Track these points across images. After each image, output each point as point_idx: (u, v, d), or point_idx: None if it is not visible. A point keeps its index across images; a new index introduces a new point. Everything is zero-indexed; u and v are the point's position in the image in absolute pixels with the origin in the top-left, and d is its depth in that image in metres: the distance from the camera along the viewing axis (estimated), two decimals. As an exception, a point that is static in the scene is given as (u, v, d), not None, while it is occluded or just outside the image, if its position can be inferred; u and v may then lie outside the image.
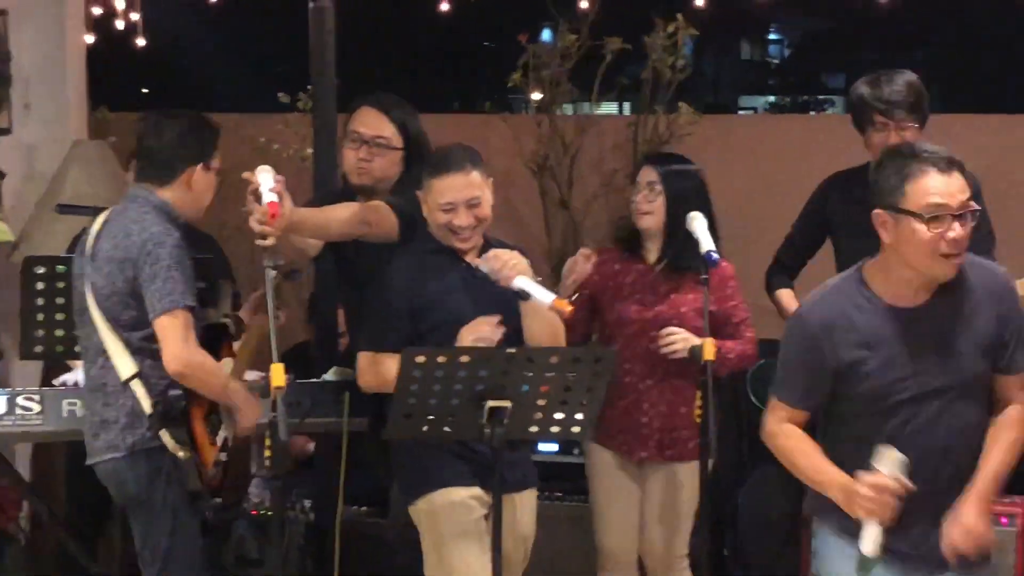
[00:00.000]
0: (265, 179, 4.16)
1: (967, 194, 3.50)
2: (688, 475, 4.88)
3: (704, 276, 4.62)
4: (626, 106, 11.17)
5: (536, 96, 7.53)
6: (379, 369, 4.27)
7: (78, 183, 6.18)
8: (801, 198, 5.36)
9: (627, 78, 7.81)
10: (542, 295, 4.08)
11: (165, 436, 4.22)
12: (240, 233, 4.42)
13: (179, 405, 4.24)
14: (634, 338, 4.83)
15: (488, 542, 4.18)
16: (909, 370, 3.55)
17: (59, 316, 4.72)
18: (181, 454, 4.23)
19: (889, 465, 3.44)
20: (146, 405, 4.22)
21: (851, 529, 3.57)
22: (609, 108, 8.92)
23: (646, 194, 4.86)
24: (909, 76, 4.94)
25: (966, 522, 3.55)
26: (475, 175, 4.30)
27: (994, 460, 3.61)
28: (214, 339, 4.38)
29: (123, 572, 4.53)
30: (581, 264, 4.83)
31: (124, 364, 4.23)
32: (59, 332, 4.74)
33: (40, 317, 4.76)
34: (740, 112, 22.84)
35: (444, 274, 4.32)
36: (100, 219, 4.37)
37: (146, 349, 4.23)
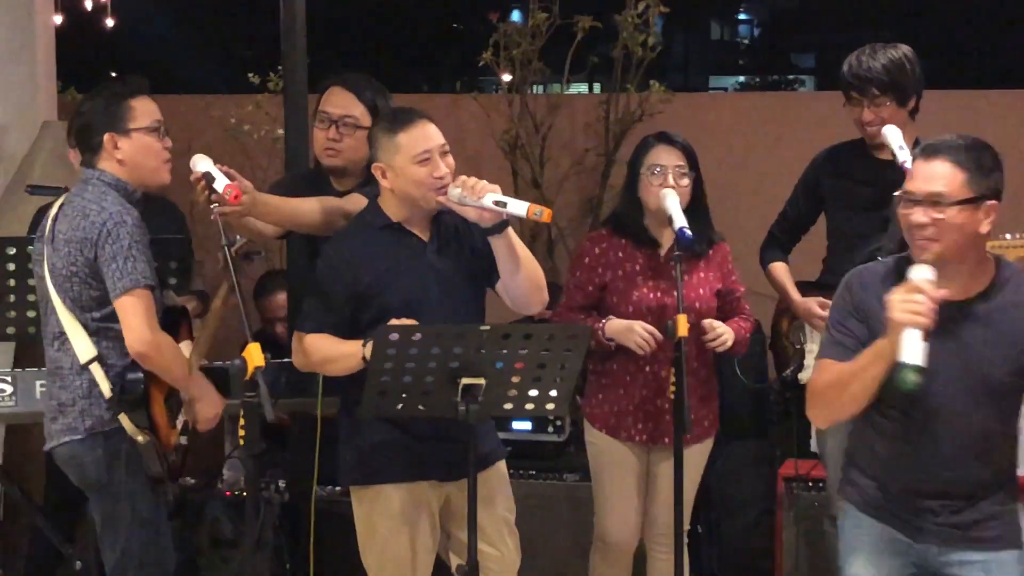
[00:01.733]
0: (205, 163, 4.16)
1: (941, 184, 3.54)
2: (698, 452, 4.90)
3: (677, 253, 4.59)
4: (595, 87, 11.17)
5: (506, 77, 7.53)
6: (306, 349, 4.23)
7: (48, 164, 6.15)
8: (772, 176, 5.38)
9: (597, 57, 7.83)
10: (517, 206, 4.02)
11: (124, 420, 4.17)
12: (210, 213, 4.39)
13: (138, 388, 4.18)
14: (654, 326, 4.73)
15: (428, 535, 4.27)
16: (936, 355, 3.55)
17: (31, 297, 4.69)
18: (140, 438, 4.17)
19: (919, 273, 3.49)
20: (105, 388, 4.17)
21: (874, 503, 3.73)
22: (578, 88, 8.93)
23: (676, 179, 4.74)
24: (895, 52, 4.88)
25: None
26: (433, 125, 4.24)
27: None
28: (173, 323, 4.35)
29: (99, 556, 4.50)
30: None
31: (83, 346, 4.19)
32: (31, 312, 4.72)
33: (11, 298, 4.74)
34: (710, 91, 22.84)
35: (392, 253, 4.22)
36: (57, 203, 4.33)
37: (105, 331, 4.19)
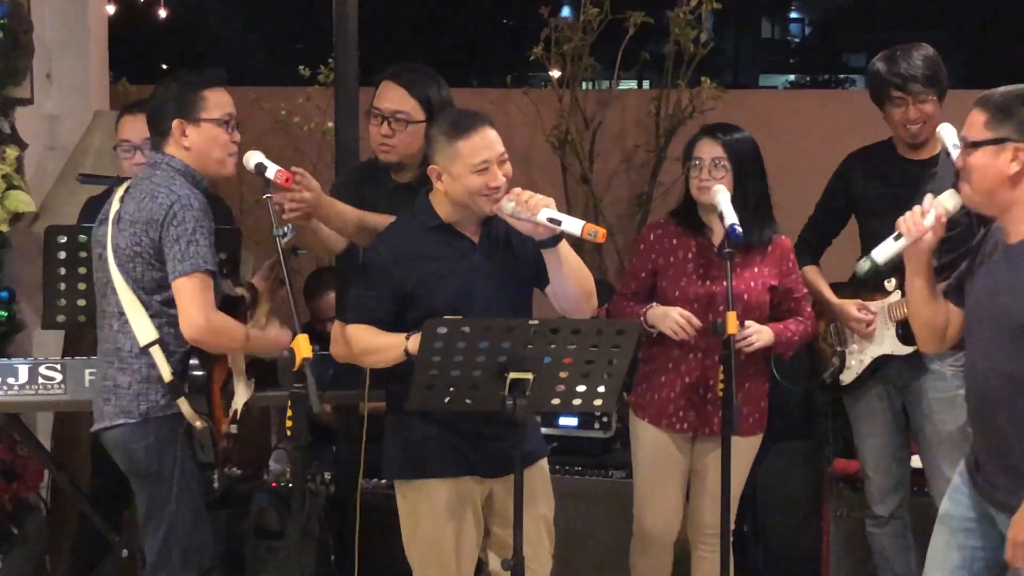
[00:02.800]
0: (256, 156, 4.20)
1: (966, 128, 3.76)
2: (745, 448, 4.87)
3: (728, 250, 4.56)
4: (644, 84, 11.14)
5: (556, 73, 7.52)
6: (346, 339, 4.23)
7: (100, 153, 6.17)
8: (825, 174, 5.34)
9: (648, 53, 7.79)
10: (572, 223, 3.99)
11: (183, 405, 4.18)
12: (260, 207, 4.41)
13: (199, 375, 4.21)
14: (700, 315, 4.73)
15: (472, 530, 4.27)
16: (984, 296, 3.77)
17: (81, 285, 4.71)
18: (198, 424, 4.19)
19: (944, 195, 3.82)
20: (165, 372, 4.18)
21: (970, 464, 3.85)
22: (627, 85, 8.91)
23: (710, 171, 4.73)
24: (926, 50, 4.95)
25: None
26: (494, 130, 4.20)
27: None
28: (231, 312, 4.35)
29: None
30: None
31: (144, 329, 4.19)
32: (81, 301, 4.73)
33: (62, 287, 4.75)
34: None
35: (441, 255, 4.20)
36: (125, 184, 4.35)
37: (166, 314, 4.19)
